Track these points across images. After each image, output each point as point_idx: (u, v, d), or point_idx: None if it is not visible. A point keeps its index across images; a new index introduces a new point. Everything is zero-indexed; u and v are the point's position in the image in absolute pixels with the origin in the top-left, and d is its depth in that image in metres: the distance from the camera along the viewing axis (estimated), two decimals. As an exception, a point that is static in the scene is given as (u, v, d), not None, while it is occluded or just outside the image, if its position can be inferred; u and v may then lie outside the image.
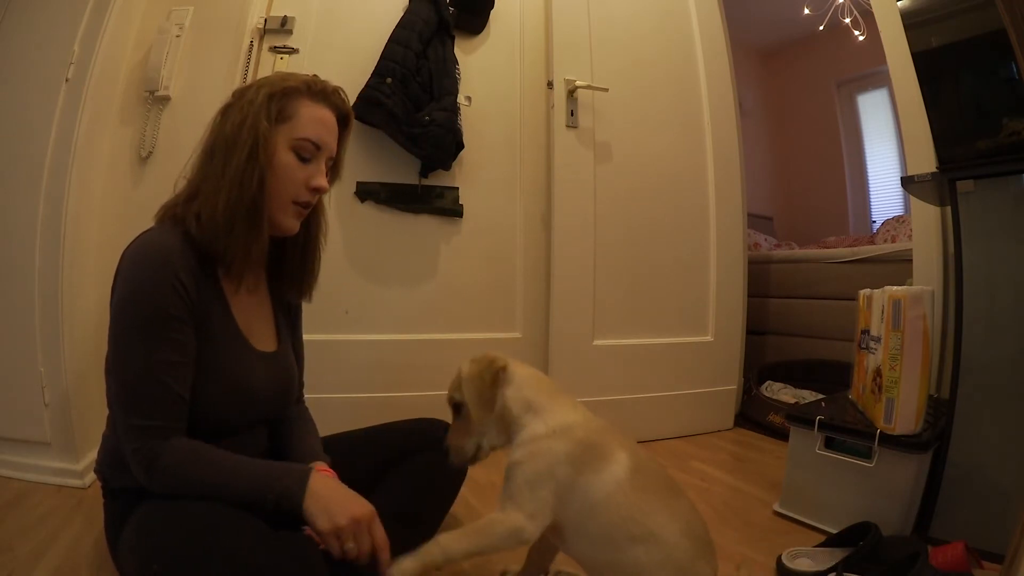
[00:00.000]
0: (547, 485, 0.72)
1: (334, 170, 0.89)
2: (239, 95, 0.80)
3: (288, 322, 0.99)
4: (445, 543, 0.70)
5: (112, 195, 1.46)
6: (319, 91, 0.83)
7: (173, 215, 0.78)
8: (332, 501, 0.72)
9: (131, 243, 0.75)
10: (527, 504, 0.72)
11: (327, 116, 0.84)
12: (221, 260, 0.78)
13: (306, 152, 0.81)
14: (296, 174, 0.81)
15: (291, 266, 0.93)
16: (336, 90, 0.86)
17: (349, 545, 0.70)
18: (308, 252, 0.93)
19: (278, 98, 0.79)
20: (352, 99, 1.59)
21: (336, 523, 0.70)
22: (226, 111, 0.80)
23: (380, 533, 0.73)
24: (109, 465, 0.81)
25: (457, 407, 0.81)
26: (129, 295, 0.72)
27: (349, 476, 0.92)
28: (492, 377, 0.78)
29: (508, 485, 0.75)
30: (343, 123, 0.88)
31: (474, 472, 1.22)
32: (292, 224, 0.84)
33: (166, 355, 0.71)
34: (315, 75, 0.85)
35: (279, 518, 0.72)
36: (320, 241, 0.94)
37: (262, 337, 0.89)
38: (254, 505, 0.70)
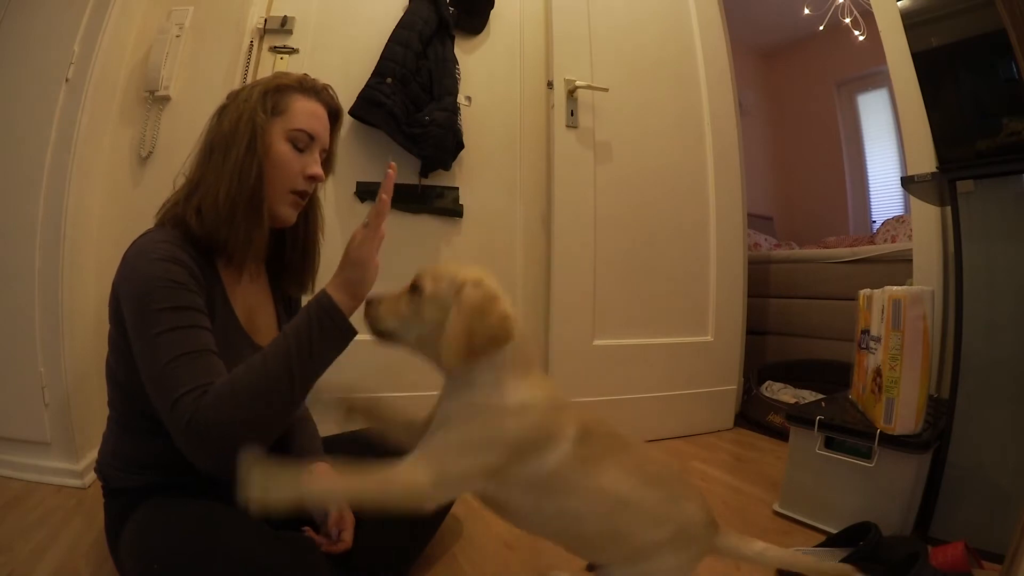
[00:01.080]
0: (478, 458, 0.62)
1: (327, 164, 0.92)
2: (233, 96, 0.84)
3: (289, 318, 0.99)
4: (329, 483, 0.65)
5: (112, 195, 1.46)
6: (310, 87, 0.87)
7: (174, 216, 0.79)
8: (355, 277, 0.78)
9: (130, 246, 0.76)
10: (444, 467, 0.61)
11: (319, 109, 0.87)
12: (223, 251, 0.79)
13: (301, 142, 0.84)
14: (292, 163, 0.84)
15: (291, 261, 0.95)
16: (326, 87, 0.89)
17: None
18: (308, 246, 0.95)
19: (272, 94, 0.83)
20: (352, 99, 1.61)
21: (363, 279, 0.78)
22: (222, 112, 0.83)
23: (349, 515, 0.82)
24: (109, 465, 0.81)
25: (416, 289, 0.68)
26: (135, 288, 0.71)
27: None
28: (494, 336, 0.63)
29: (431, 436, 0.64)
30: (334, 118, 0.91)
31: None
32: (290, 214, 0.86)
33: (191, 320, 0.71)
34: (305, 74, 0.88)
35: (280, 519, 0.71)
36: (319, 235, 0.97)
37: (263, 332, 0.89)
38: (306, 349, 0.71)
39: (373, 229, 0.79)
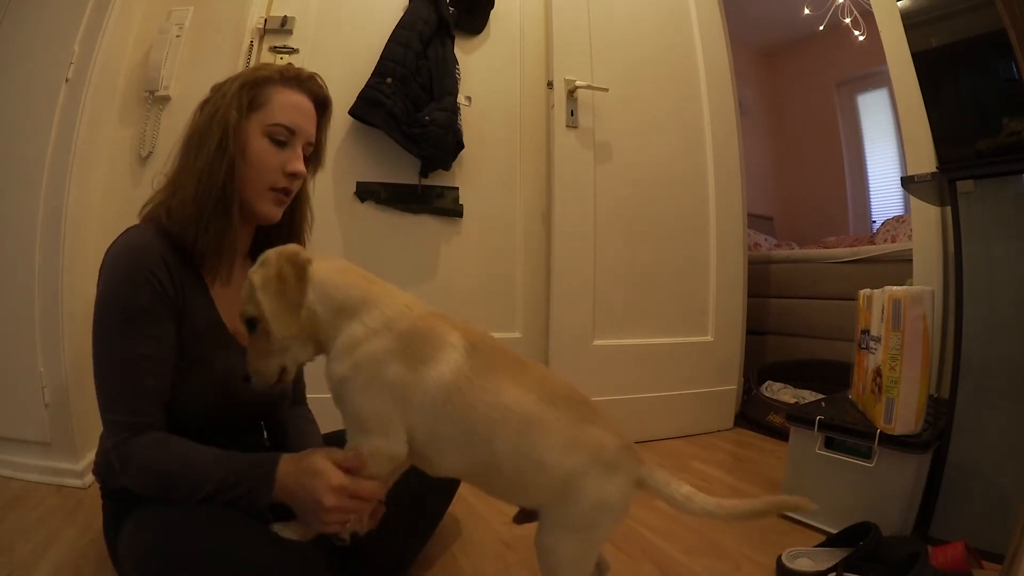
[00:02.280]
0: (383, 395, 0.63)
1: (315, 157, 0.89)
2: (215, 89, 0.81)
3: None
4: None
5: (112, 195, 1.46)
6: (292, 77, 0.82)
7: (156, 215, 0.78)
8: (300, 495, 0.66)
9: (112, 244, 0.76)
10: (373, 425, 0.64)
11: (301, 101, 0.83)
12: (194, 252, 0.77)
13: (280, 136, 0.80)
14: (271, 160, 0.80)
15: None
16: (312, 76, 0.85)
17: (347, 529, 0.68)
18: (292, 243, 0.94)
19: (250, 87, 0.79)
20: (352, 99, 1.61)
21: (318, 521, 0.66)
22: (203, 106, 0.81)
23: (368, 488, 0.67)
24: (106, 467, 0.81)
25: (252, 322, 0.67)
26: (103, 294, 0.73)
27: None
28: (297, 274, 0.65)
29: (343, 412, 0.66)
30: (321, 108, 0.87)
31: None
32: (272, 211, 0.83)
33: (140, 350, 0.72)
34: (290, 63, 0.85)
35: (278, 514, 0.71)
36: (304, 232, 0.94)
37: None
38: (221, 499, 0.69)
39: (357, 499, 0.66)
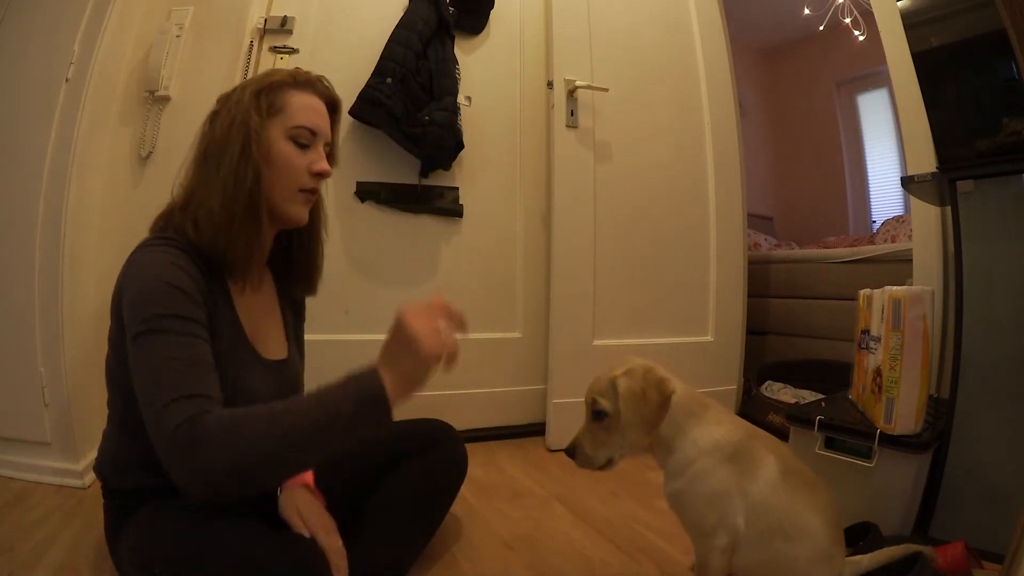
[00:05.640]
0: (723, 500, 0.74)
1: (330, 157, 0.91)
2: (224, 100, 0.82)
3: (297, 322, 1.00)
4: None
5: (112, 195, 1.46)
6: (304, 80, 0.85)
7: (174, 225, 0.77)
8: (397, 348, 0.67)
9: (136, 249, 0.75)
10: (712, 524, 0.74)
11: (316, 103, 0.85)
12: (223, 261, 0.77)
13: (303, 139, 0.82)
14: (297, 161, 0.82)
15: (297, 262, 0.94)
16: (320, 78, 0.88)
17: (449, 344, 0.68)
18: (313, 245, 0.95)
19: (266, 93, 0.80)
20: (353, 99, 1.61)
21: (422, 355, 0.66)
22: (214, 117, 0.81)
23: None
24: (109, 466, 0.81)
25: (598, 414, 0.77)
26: (141, 290, 0.70)
27: (349, 475, 0.92)
28: (661, 401, 0.75)
29: (686, 519, 0.78)
30: (332, 109, 0.89)
31: (474, 471, 1.22)
32: (302, 212, 0.85)
33: (190, 329, 0.69)
34: (297, 67, 0.87)
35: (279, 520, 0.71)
36: (322, 232, 0.96)
37: (271, 344, 0.88)
38: (334, 430, 0.64)
39: (434, 308, 0.71)
